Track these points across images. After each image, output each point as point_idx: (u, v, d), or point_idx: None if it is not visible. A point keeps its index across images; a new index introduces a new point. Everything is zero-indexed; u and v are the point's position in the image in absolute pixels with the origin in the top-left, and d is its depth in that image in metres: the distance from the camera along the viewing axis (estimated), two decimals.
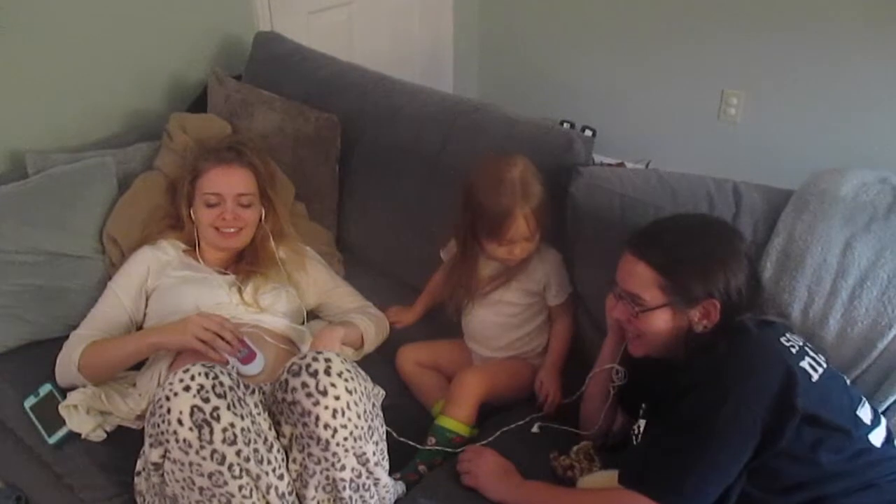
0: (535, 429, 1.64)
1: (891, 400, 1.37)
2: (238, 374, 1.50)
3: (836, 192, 1.47)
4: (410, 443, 1.60)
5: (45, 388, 1.66)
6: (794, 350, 1.26)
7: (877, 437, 1.25)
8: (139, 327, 1.78)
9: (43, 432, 1.61)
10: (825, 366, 1.27)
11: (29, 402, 1.66)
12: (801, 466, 1.19)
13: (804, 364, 1.23)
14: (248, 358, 1.59)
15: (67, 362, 1.66)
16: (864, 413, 1.26)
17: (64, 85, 2.13)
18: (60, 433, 1.60)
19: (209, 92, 2.27)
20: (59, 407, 1.61)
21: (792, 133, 2.84)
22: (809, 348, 1.29)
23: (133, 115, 2.31)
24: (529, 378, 1.74)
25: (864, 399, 1.29)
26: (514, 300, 1.74)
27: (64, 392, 1.66)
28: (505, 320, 1.76)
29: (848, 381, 1.33)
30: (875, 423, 1.27)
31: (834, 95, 2.72)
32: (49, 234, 1.85)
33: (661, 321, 1.34)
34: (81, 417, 1.60)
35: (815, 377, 1.23)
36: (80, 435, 1.60)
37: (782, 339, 1.28)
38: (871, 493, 1.18)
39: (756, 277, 1.40)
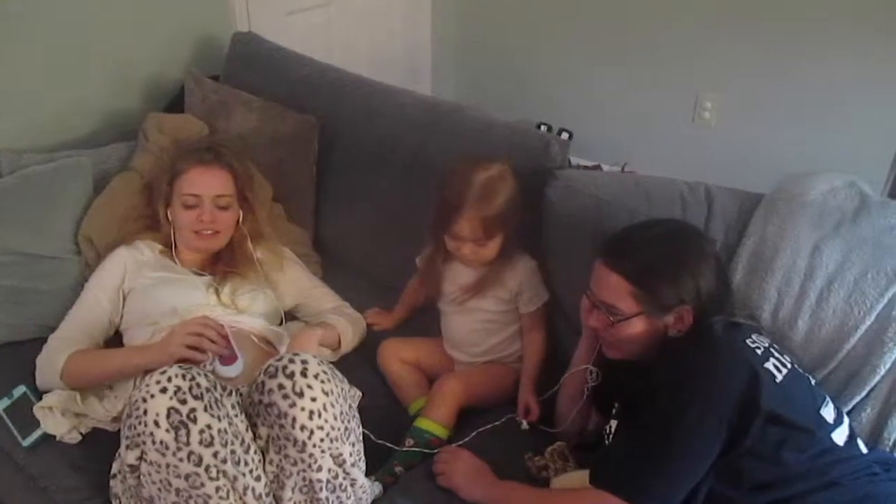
0: (524, 425, 1.65)
1: (856, 399, 1.39)
2: (215, 374, 1.50)
3: (805, 196, 1.50)
4: (388, 444, 1.61)
5: (20, 390, 1.65)
6: (759, 351, 1.29)
7: (840, 436, 1.28)
8: (118, 328, 1.77)
9: (17, 434, 1.60)
10: (790, 366, 1.29)
11: (3, 404, 1.64)
12: (766, 465, 1.21)
13: (769, 365, 1.26)
14: (230, 360, 1.58)
15: (50, 369, 1.64)
16: (828, 412, 1.29)
17: (39, 84, 2.11)
18: (35, 435, 1.58)
19: (186, 92, 2.26)
20: (34, 409, 1.60)
21: (765, 137, 2.88)
22: (775, 349, 1.32)
23: (109, 115, 2.29)
24: (509, 383, 1.75)
25: (827, 398, 1.32)
26: (489, 307, 1.75)
27: (39, 394, 1.64)
28: (482, 326, 1.78)
29: (813, 382, 1.36)
30: (838, 422, 1.30)
31: (807, 100, 2.75)
32: (23, 234, 1.83)
33: (637, 329, 1.36)
34: (56, 419, 1.59)
35: (780, 378, 1.25)
36: (54, 437, 1.59)
37: (748, 341, 1.31)
38: (835, 492, 1.20)
39: (726, 281, 1.43)
